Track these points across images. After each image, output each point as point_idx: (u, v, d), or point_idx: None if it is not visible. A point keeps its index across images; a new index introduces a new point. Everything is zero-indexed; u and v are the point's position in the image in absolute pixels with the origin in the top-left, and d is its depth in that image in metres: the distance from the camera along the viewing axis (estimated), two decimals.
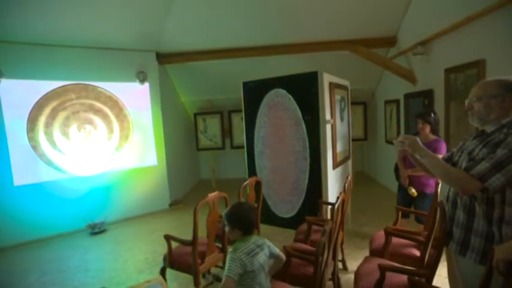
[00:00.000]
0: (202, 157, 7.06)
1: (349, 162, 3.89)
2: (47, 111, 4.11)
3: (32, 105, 3.99)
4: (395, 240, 2.29)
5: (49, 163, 4.13)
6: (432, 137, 2.68)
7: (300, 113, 3.13)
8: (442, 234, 1.51)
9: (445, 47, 3.47)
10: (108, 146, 4.58)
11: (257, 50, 4.90)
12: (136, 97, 4.82)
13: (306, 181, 3.16)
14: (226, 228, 1.60)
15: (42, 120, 4.08)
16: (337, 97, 3.38)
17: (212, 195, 2.32)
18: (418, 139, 1.48)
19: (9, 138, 3.87)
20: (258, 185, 2.94)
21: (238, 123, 6.09)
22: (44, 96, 4.07)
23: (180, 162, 6.00)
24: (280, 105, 3.28)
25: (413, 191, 2.73)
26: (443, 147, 2.59)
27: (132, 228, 4.35)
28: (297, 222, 3.16)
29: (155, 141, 4.99)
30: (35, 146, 4.03)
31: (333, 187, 3.22)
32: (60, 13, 3.65)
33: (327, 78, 3.10)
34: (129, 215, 4.73)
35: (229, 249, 1.61)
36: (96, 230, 4.22)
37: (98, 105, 4.48)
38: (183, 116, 6.50)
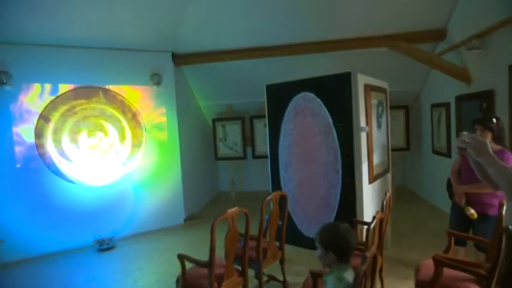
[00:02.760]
0: (221, 167, 7.11)
1: (388, 175, 3.79)
2: (56, 116, 4.35)
3: (40, 110, 4.25)
4: (448, 271, 2.13)
5: (56, 172, 4.34)
6: (496, 147, 2.46)
7: (330, 120, 3.12)
8: (510, 268, 1.41)
9: (509, 40, 3.28)
10: (119, 154, 4.76)
11: (282, 49, 4.93)
12: (150, 101, 4.99)
13: (338, 197, 3.11)
14: (318, 252, 1.58)
15: (50, 126, 4.32)
16: (374, 101, 3.33)
17: (232, 210, 2.33)
18: (488, 142, 1.37)
19: (17, 145, 4.13)
20: (282, 200, 2.92)
21: (261, 130, 6.11)
22: (53, 100, 4.31)
23: (197, 173, 6.09)
24: (308, 111, 3.29)
25: (472, 211, 2.53)
26: (510, 158, 2.39)
27: (142, 246, 4.45)
28: None
29: (170, 149, 5.11)
30: (43, 154, 4.26)
31: (369, 204, 3.16)
32: (70, 12, 3.86)
33: (361, 80, 3.06)
34: (139, 231, 4.85)
35: (327, 276, 1.55)
36: (105, 246, 4.36)
37: (110, 110, 4.68)
38: (201, 122, 6.61)
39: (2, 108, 4.04)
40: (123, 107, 4.76)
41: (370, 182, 3.18)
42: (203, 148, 6.51)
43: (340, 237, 1.54)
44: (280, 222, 2.89)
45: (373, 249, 1.82)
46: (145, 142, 4.93)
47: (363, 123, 3.03)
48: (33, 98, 4.22)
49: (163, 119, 5.09)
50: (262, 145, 6.05)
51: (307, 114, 3.29)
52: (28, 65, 4.14)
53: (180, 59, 5.24)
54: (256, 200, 3.34)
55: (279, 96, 3.52)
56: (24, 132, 4.18)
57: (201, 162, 6.38)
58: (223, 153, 6.34)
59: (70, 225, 4.41)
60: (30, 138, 4.20)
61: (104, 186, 4.64)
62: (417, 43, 4.57)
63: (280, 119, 3.51)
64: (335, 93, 3.08)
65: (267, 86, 3.65)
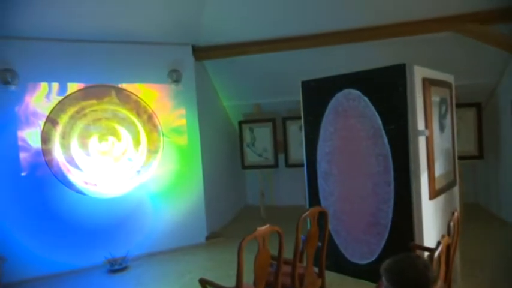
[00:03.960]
0: (249, 177, 7.12)
1: (455, 190, 3.63)
2: (64, 119, 4.51)
3: (47, 112, 4.42)
4: None
5: (64, 181, 4.49)
6: None
7: (379, 122, 3.04)
8: None
9: None
10: (133, 161, 4.86)
11: (320, 39, 4.84)
12: (169, 102, 5.07)
13: (390, 215, 3.01)
14: None
15: (58, 129, 4.48)
16: (435, 98, 3.20)
17: (262, 229, 2.31)
18: None
19: (22, 151, 4.31)
20: (322, 218, 2.86)
21: (296, 134, 6.03)
22: (61, 101, 4.48)
23: (221, 184, 6.11)
24: (352, 111, 3.23)
25: None
26: None
27: (158, 267, 4.49)
28: (377, 272, 2.98)
29: (190, 156, 5.16)
30: (49, 161, 4.42)
31: (431, 226, 3.02)
32: (79, 3, 4.00)
33: (419, 73, 2.95)
34: (155, 249, 4.91)
35: None
36: (116, 266, 4.44)
37: (123, 111, 4.80)
38: (225, 124, 6.65)
39: (6, 110, 4.25)
40: (138, 108, 4.87)
41: (431, 198, 3.04)
42: (228, 155, 6.53)
43: (411, 276, 1.42)
44: (319, 244, 2.84)
45: (440, 283, 1.72)
46: (163, 148, 5.00)
47: (421, 125, 2.93)
48: (40, 99, 4.41)
49: (183, 121, 5.15)
50: (297, 151, 5.97)
51: (351, 115, 3.23)
52: (34, 62, 4.33)
53: (201, 52, 5.29)
54: (290, 216, 3.32)
55: (317, 94, 3.49)
56: (30, 136, 4.36)
57: (225, 171, 6.41)
58: (251, 161, 6.34)
59: (78, 241, 4.53)
60: (36, 143, 4.38)
61: (116, 197, 4.75)
62: (491, 24, 4.29)
63: (319, 121, 3.48)
64: (386, 89, 2.99)
65: (303, 83, 3.63)
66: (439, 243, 1.97)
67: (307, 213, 2.74)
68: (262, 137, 6.26)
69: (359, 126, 3.17)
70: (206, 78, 5.82)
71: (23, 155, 4.33)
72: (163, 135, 5.00)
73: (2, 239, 4.15)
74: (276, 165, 6.28)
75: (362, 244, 3.22)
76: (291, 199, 6.66)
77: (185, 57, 5.13)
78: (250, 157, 6.34)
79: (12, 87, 4.20)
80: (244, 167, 6.42)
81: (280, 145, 6.31)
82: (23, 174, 4.33)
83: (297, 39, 4.92)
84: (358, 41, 4.75)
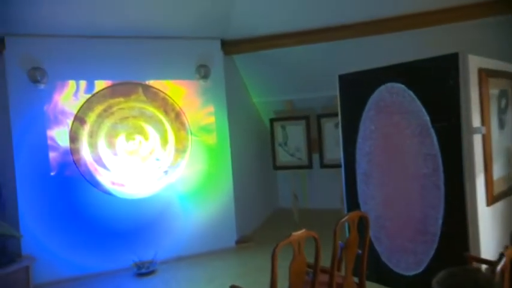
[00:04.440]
0: (281, 178, 7.07)
1: None
2: (92, 117, 4.63)
3: (75, 110, 4.55)
4: None
5: (92, 181, 4.60)
6: None
7: (427, 118, 2.94)
8: None
9: None
10: (160, 161, 4.91)
11: (358, 28, 4.70)
12: (197, 99, 5.10)
13: (440, 221, 2.89)
14: None
15: (86, 128, 4.60)
16: (494, 91, 3.06)
17: (298, 234, 2.25)
18: None
19: (51, 150, 4.47)
20: (362, 223, 2.77)
21: (332, 132, 5.92)
22: (89, 99, 4.60)
23: (251, 185, 6.11)
24: (395, 107, 3.15)
25: None
26: None
27: (187, 272, 4.53)
28: (425, 285, 2.87)
29: (219, 156, 5.18)
30: (77, 160, 4.56)
31: (490, 235, 2.89)
32: None
33: (474, 63, 2.82)
34: (183, 253, 4.95)
35: None
36: (144, 270, 4.51)
37: (150, 109, 4.87)
38: (256, 122, 6.64)
39: (36, 109, 4.42)
40: (165, 105, 4.93)
41: (488, 204, 2.90)
42: (259, 155, 6.52)
43: None
44: (359, 252, 2.76)
45: None
46: (191, 147, 5.04)
47: (476, 122, 2.81)
48: (68, 97, 4.55)
49: (212, 119, 5.18)
50: (333, 151, 5.85)
51: (395, 111, 3.15)
52: (62, 60, 4.49)
53: (230, 46, 5.29)
54: (325, 220, 3.28)
55: (356, 89, 3.44)
56: (59, 135, 4.52)
57: (256, 172, 6.40)
58: (283, 161, 6.28)
59: (106, 243, 4.65)
60: (64, 142, 4.53)
61: (144, 198, 4.83)
62: None
63: (358, 118, 3.43)
64: (434, 82, 2.90)
65: (340, 77, 3.58)
66: (501, 255, 1.83)
67: (346, 218, 2.66)
68: (295, 136, 6.18)
69: (404, 123, 3.09)
70: (235, 73, 5.82)
71: (52, 155, 4.49)
72: (191, 133, 5.04)
73: (32, 239, 4.31)
74: (309, 166, 6.19)
75: (407, 253, 3.12)
76: (326, 202, 6.56)
77: (213, 51, 5.15)
78: (282, 157, 6.27)
79: (42, 86, 4.35)
80: (275, 167, 6.37)
81: (315, 144, 6.21)
82: (52, 173, 4.49)
83: (333, 30, 4.81)
84: (402, 30, 4.55)
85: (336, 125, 5.37)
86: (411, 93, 3.02)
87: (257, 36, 5.15)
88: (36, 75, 4.29)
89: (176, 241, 4.95)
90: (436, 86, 2.88)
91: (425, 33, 4.57)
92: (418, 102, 2.97)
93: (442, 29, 4.49)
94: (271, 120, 6.33)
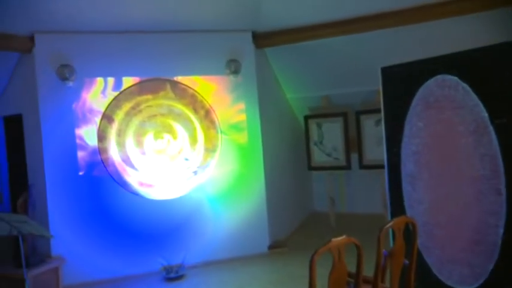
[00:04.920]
0: (316, 180, 7.01)
1: None
2: (120, 115, 4.72)
3: (103, 108, 4.66)
4: None
5: (120, 181, 4.70)
6: None
7: (485, 114, 2.83)
8: None
9: None
10: (189, 161, 4.95)
11: (403, 15, 4.53)
12: (227, 95, 5.11)
13: (501, 230, 2.75)
14: None
15: (114, 127, 4.70)
16: None
17: (338, 240, 2.19)
18: None
19: (79, 149, 4.61)
20: (408, 230, 2.68)
21: (372, 130, 5.80)
22: (117, 96, 4.70)
23: (284, 186, 6.06)
24: (447, 102, 3.07)
25: None
26: None
27: (216, 277, 4.55)
28: None
29: (251, 155, 5.17)
30: (105, 160, 4.66)
31: None
32: None
33: None
34: (213, 258, 4.97)
35: None
36: (172, 275, 4.56)
37: (179, 106, 4.91)
38: (289, 120, 6.60)
39: (65, 107, 4.56)
40: (194, 102, 4.96)
41: None
42: (292, 154, 6.47)
43: None
44: (406, 262, 2.68)
45: None
46: (221, 146, 5.05)
47: None
48: (96, 95, 4.67)
49: (243, 117, 5.17)
50: (374, 150, 5.71)
51: (446, 106, 3.08)
52: (90, 57, 4.61)
53: (262, 39, 5.26)
54: (365, 226, 3.24)
55: (402, 83, 3.38)
56: (87, 134, 4.64)
57: (289, 173, 6.35)
58: (319, 161, 6.21)
59: (134, 245, 4.75)
60: (93, 141, 4.65)
61: (172, 200, 4.88)
62: None
63: (403, 114, 3.38)
64: (491, 73, 2.80)
65: (383, 69, 3.51)
66: None
67: (390, 223, 2.58)
68: (331, 134, 6.10)
69: (457, 120, 3.01)
70: (267, 67, 5.79)
71: (80, 154, 4.62)
72: (221, 132, 5.05)
73: (61, 240, 4.43)
74: (348, 167, 6.08)
75: (462, 265, 3.01)
76: (365, 206, 6.47)
77: (244, 45, 5.14)
78: (318, 157, 6.20)
79: (70, 84, 4.49)
80: (311, 168, 6.31)
81: (353, 143, 6.09)
82: (80, 173, 4.62)
83: (374, 18, 4.66)
84: (453, 15, 4.32)
85: (377, 122, 5.26)
86: (465, 85, 2.92)
87: (290, 28, 5.09)
88: (65, 72, 4.42)
89: (206, 245, 4.98)
90: (496, 78, 2.76)
91: (480, 18, 4.31)
92: (474, 96, 2.87)
93: (502, 13, 4.22)
94: (306, 118, 6.27)
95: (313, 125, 6.21)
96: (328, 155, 6.14)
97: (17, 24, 4.32)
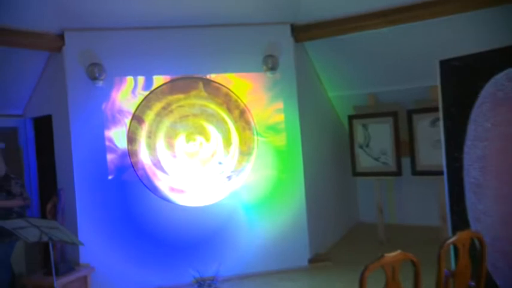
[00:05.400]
0: (362, 187, 6.93)
1: None
2: (150, 116, 4.74)
3: (133, 109, 4.70)
4: None
5: (150, 186, 4.71)
6: None
7: None
8: None
9: None
10: (223, 165, 4.91)
11: (462, 2, 4.28)
12: (263, 94, 5.06)
13: None
14: None
15: (144, 128, 4.73)
16: None
17: (391, 256, 2.09)
18: None
19: (109, 152, 4.66)
20: (475, 247, 2.52)
21: (426, 131, 5.57)
22: (147, 96, 4.73)
23: (326, 194, 5.96)
24: None
25: None
26: None
27: None
28: None
29: (289, 159, 5.09)
30: (135, 163, 4.69)
31: None
32: None
33: None
34: (248, 271, 4.91)
35: None
36: None
37: (212, 106, 4.89)
38: (331, 120, 6.50)
39: (94, 108, 4.64)
40: (228, 102, 4.93)
41: None
42: (335, 158, 6.37)
43: None
44: (471, 284, 2.53)
45: None
46: (257, 149, 5.00)
47: None
48: (126, 95, 4.73)
49: (281, 117, 5.10)
50: (429, 154, 5.52)
51: None
52: (120, 54, 4.68)
53: (302, 32, 5.17)
54: (419, 240, 3.16)
55: (464, 77, 3.29)
56: (117, 136, 4.70)
57: (332, 179, 6.24)
58: (364, 167, 6.08)
59: (164, 255, 4.76)
60: (122, 143, 4.70)
61: (205, 207, 4.85)
62: None
63: (466, 114, 3.30)
64: None
65: (443, 62, 3.41)
66: None
67: (453, 238, 2.41)
68: (379, 136, 5.95)
69: None
70: (307, 63, 5.69)
71: (109, 157, 4.68)
72: (257, 134, 4.99)
73: (90, 247, 4.47)
74: (398, 173, 5.89)
75: None
76: (419, 217, 6.30)
77: (282, 38, 5.06)
78: (364, 161, 6.06)
79: (100, 83, 4.56)
80: (356, 173, 6.18)
81: (404, 146, 5.91)
82: (109, 177, 4.68)
83: (427, 6, 4.44)
84: None
85: (433, 123, 5.05)
86: None
87: (332, 19, 4.96)
88: (94, 71, 4.50)
89: (240, 256, 4.93)
90: None
91: None
92: None
93: None
94: (350, 118, 6.16)
95: (358, 125, 6.09)
96: (376, 159, 6.00)
97: (46, 22, 4.43)
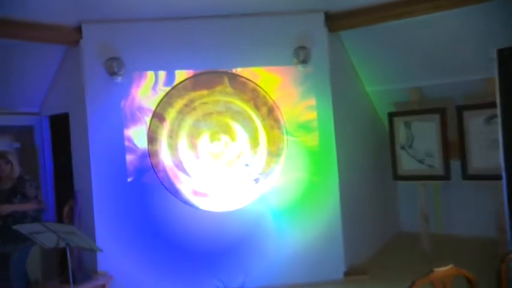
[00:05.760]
0: (404, 192, 6.75)
1: None
2: (172, 113, 4.70)
3: (154, 106, 4.67)
4: None
5: (171, 189, 4.67)
6: None
7: None
8: None
9: None
10: (250, 166, 4.84)
11: None
12: (294, 89, 4.94)
13: None
14: None
15: (165, 127, 4.69)
16: None
17: (443, 270, 2.07)
18: None
19: (128, 152, 4.63)
20: None
21: (481, 130, 5.34)
22: (168, 92, 4.69)
23: (364, 200, 5.81)
24: None
25: None
26: None
27: None
28: None
29: (322, 161, 4.96)
30: (156, 164, 4.66)
31: None
32: None
33: None
34: (277, 283, 4.79)
35: None
36: None
37: (238, 103, 4.82)
38: (370, 118, 6.33)
39: (113, 105, 4.64)
40: (255, 98, 4.86)
41: None
42: (374, 160, 6.20)
43: None
44: None
45: None
46: (287, 150, 4.89)
47: None
48: (146, 91, 4.71)
49: (313, 114, 4.97)
50: (484, 156, 5.29)
51: None
52: (139, 48, 4.65)
53: (337, 20, 5.01)
54: (470, 252, 2.98)
55: None
56: (136, 135, 4.70)
57: (370, 183, 6.07)
58: (407, 169, 5.88)
59: (187, 263, 4.72)
60: (142, 143, 4.68)
61: (230, 212, 4.80)
62: None
63: None
64: None
65: (501, 51, 3.22)
66: None
67: None
68: (424, 135, 5.75)
69: None
70: (343, 55, 5.53)
71: (129, 157, 4.67)
72: (287, 133, 4.89)
73: (107, 254, 4.42)
74: (446, 177, 5.64)
75: None
76: (470, 227, 6.05)
77: (315, 28, 4.92)
78: (407, 164, 5.86)
79: (119, 79, 4.53)
80: (397, 177, 5.99)
81: (453, 147, 5.67)
82: (129, 179, 4.67)
83: None
84: None
85: (488, 120, 4.82)
86: None
87: (372, 5, 4.79)
88: (113, 66, 4.47)
89: (268, 267, 4.83)
90: None
91: None
92: None
93: None
94: (391, 115, 5.97)
95: (400, 124, 5.91)
96: (420, 161, 5.79)
97: (63, 14, 4.42)
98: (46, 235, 3.44)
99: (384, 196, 6.45)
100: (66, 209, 4.45)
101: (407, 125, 5.84)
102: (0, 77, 4.70)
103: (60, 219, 4.85)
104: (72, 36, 4.55)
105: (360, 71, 5.88)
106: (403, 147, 5.87)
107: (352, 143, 5.54)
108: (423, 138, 5.75)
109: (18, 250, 4.05)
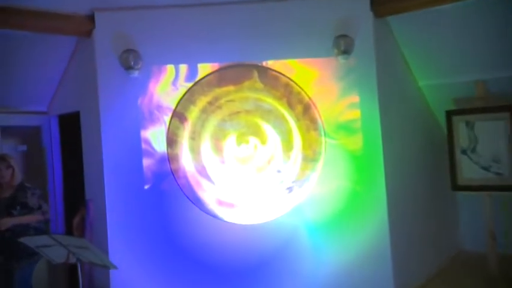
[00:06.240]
0: (466, 205, 6.62)
1: None
2: (194, 112, 4.64)
3: (174, 104, 4.62)
4: None
5: (193, 198, 4.61)
6: None
7: None
8: None
9: None
10: (282, 173, 4.75)
11: None
12: (333, 84, 4.82)
13: None
14: None
15: (187, 128, 4.64)
16: None
17: None
18: None
19: (145, 156, 4.59)
20: None
21: None
22: (190, 88, 4.63)
23: (416, 213, 5.64)
24: None
25: None
26: None
27: None
28: None
29: (367, 168, 4.82)
30: (176, 170, 4.59)
31: None
32: None
33: None
34: None
35: None
36: None
37: (269, 100, 4.72)
38: (423, 117, 6.18)
39: (128, 103, 4.59)
40: (289, 95, 4.74)
41: None
42: (428, 167, 6.05)
43: None
44: None
45: None
46: (325, 154, 4.76)
47: None
48: (166, 87, 4.65)
49: (356, 113, 4.82)
50: None
51: None
52: (158, 39, 4.58)
53: (385, 3, 4.82)
54: None
55: None
56: (155, 137, 4.64)
57: (424, 193, 5.91)
58: (469, 178, 5.68)
59: (210, 282, 4.64)
60: (161, 146, 4.64)
61: (260, 225, 4.71)
62: None
63: None
64: None
65: None
66: None
67: None
68: (490, 138, 5.59)
69: None
70: (392, 44, 5.36)
71: (146, 162, 4.62)
72: (325, 135, 4.76)
73: (121, 270, 4.20)
74: None
75: None
76: None
77: (359, 13, 4.76)
78: (468, 171, 5.67)
79: (135, 74, 4.46)
80: (457, 187, 5.80)
81: None
82: (146, 187, 4.61)
83: None
84: None
85: None
86: None
87: None
88: (129, 59, 4.37)
89: (303, 287, 4.75)
90: None
91: None
92: None
93: None
94: (450, 114, 5.77)
95: (460, 124, 5.72)
96: (485, 168, 5.61)
97: (74, 1, 4.39)
98: (55, 249, 3.37)
99: (440, 209, 6.30)
100: (76, 220, 4.53)
101: (469, 125, 5.69)
102: (5, 73, 4.73)
103: (69, 231, 4.93)
104: (83, 26, 4.51)
105: (411, 62, 5.71)
106: (464, 152, 5.72)
107: (402, 146, 5.39)
108: (489, 141, 5.62)
109: (22, 266, 4.02)
